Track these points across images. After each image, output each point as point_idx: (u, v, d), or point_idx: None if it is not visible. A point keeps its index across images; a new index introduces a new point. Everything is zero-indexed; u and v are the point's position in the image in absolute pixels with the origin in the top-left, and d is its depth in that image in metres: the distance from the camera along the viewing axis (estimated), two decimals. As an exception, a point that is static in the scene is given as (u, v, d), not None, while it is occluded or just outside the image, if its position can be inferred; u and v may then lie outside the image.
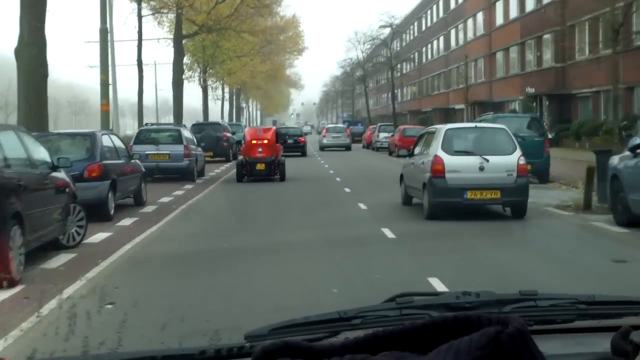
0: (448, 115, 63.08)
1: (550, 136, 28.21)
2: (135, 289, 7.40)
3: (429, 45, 73.18)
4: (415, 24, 77.11)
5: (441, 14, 68.53)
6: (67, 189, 9.85)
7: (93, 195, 12.22)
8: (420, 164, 13.45)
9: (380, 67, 75.83)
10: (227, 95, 68.70)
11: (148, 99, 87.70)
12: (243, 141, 23.00)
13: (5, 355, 5.05)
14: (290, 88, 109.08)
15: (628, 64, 31.09)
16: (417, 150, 14.49)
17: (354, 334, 1.35)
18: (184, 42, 43.09)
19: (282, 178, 21.98)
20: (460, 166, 12.51)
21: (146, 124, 22.94)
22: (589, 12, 34.87)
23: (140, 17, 30.07)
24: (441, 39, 68.71)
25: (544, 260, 9.16)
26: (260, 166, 21.61)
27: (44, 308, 6.16)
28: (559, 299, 1.90)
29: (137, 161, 15.40)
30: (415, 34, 77.39)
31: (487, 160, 12.46)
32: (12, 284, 7.23)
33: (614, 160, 12.01)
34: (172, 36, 38.97)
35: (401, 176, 15.22)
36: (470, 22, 59.00)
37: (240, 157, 22.56)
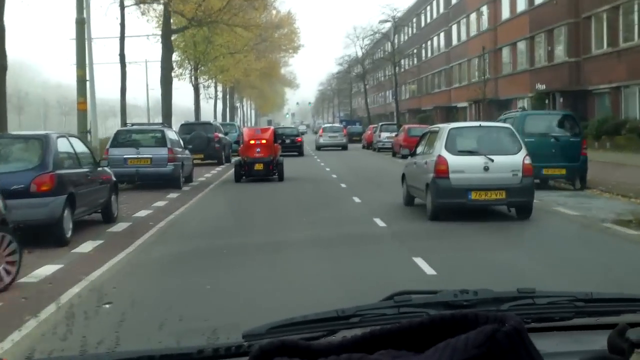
0: (450, 113, 60.79)
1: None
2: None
3: (429, 42, 70.79)
4: (414, 20, 74.59)
5: (442, 10, 66.15)
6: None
7: (44, 215, 9.72)
8: (423, 163, 13.17)
9: (379, 64, 73.42)
10: (220, 94, 66.50)
11: (140, 98, 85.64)
12: (241, 142, 22.64)
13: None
14: (285, 87, 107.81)
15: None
16: (419, 149, 14.13)
17: (352, 332, 1.34)
18: (173, 37, 41.03)
19: (281, 178, 21.77)
20: (464, 166, 12.23)
21: (126, 124, 20.29)
22: (607, 2, 32.61)
23: (122, 7, 27.47)
24: (442, 35, 66.36)
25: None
26: (258, 166, 21.52)
27: None
28: (557, 296, 1.90)
29: (107, 169, 12.77)
30: (415, 30, 74.97)
31: (492, 160, 12.18)
32: None
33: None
34: (160, 32, 36.44)
35: (403, 176, 14.87)
36: (473, 16, 56.56)
37: (238, 157, 22.23)
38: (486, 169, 12.16)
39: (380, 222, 12.34)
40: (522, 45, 45.72)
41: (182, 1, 31.62)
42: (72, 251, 9.70)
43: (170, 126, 34.32)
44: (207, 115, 61.47)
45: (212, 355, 1.62)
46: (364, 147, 49.20)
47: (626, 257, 9.38)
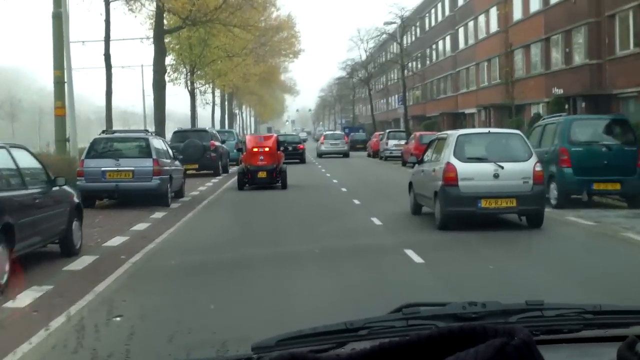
0: (457, 120, 58.30)
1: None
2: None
3: (434, 46, 68.27)
4: (418, 24, 72.06)
5: (447, 12, 63.69)
6: None
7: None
8: (431, 171, 12.92)
9: (384, 68, 70.88)
10: (218, 101, 64.12)
11: (139, 105, 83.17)
12: (244, 149, 22.40)
13: None
14: (285, 94, 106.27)
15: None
16: (427, 156, 13.89)
17: (361, 344, 1.36)
18: (167, 40, 38.81)
19: (284, 186, 21.50)
20: (473, 173, 11.99)
21: (104, 131, 17.63)
22: (633, -1, 30.22)
23: (107, 1, 24.92)
24: (447, 38, 63.88)
25: None
26: (261, 174, 21.35)
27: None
28: (566, 308, 1.90)
29: (67, 187, 10.13)
30: (418, 35, 72.46)
31: (502, 167, 11.94)
32: None
33: None
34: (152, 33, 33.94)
35: (410, 184, 14.63)
36: (481, 18, 54.06)
37: (241, 165, 22.18)
38: (496, 176, 11.88)
39: (404, 249, 10.14)
40: (536, 48, 43.24)
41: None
42: (3, 306, 7.08)
43: (163, 133, 31.93)
44: (204, 122, 59.01)
45: None
46: (369, 155, 46.80)
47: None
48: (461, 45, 59.89)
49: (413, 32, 71.78)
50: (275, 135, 24.99)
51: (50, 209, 9.18)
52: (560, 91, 38.10)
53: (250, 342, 1.68)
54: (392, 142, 40.11)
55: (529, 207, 11.95)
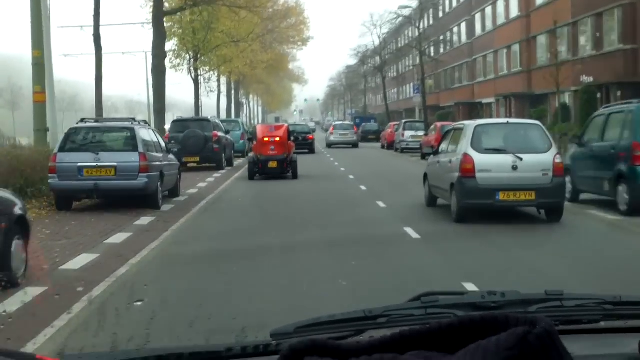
0: (473, 110, 55.67)
1: None
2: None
3: (448, 33, 65.44)
4: (431, 11, 69.16)
5: (462, -2, 60.97)
6: None
7: None
8: (447, 162, 12.68)
9: (399, 54, 68.09)
10: (224, 89, 61.60)
11: (144, 94, 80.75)
12: (254, 139, 22.15)
13: None
14: (293, 83, 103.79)
15: None
16: (443, 147, 13.63)
17: (380, 332, 1.32)
18: (170, 25, 36.34)
19: (295, 176, 21.62)
20: (491, 165, 11.75)
21: (83, 120, 14.99)
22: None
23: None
24: (463, 25, 61.12)
25: None
26: (272, 164, 21.37)
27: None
28: (585, 299, 1.87)
29: (5, 194, 7.55)
30: (431, 22, 69.64)
31: (521, 159, 11.68)
32: None
33: None
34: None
35: (425, 175, 14.47)
36: (500, 3, 51.26)
37: (252, 154, 22.11)
38: (515, 168, 11.63)
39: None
40: (562, 33, 40.49)
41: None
42: None
43: (162, 122, 29.41)
44: (210, 111, 56.56)
45: (240, 354, 1.62)
46: (383, 147, 44.28)
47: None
48: (478, 31, 57.18)
49: (430, 16, 68.84)
50: (286, 124, 24.52)
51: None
52: (590, 79, 35.52)
53: (269, 328, 1.68)
54: (408, 133, 37.53)
55: (549, 200, 11.65)
